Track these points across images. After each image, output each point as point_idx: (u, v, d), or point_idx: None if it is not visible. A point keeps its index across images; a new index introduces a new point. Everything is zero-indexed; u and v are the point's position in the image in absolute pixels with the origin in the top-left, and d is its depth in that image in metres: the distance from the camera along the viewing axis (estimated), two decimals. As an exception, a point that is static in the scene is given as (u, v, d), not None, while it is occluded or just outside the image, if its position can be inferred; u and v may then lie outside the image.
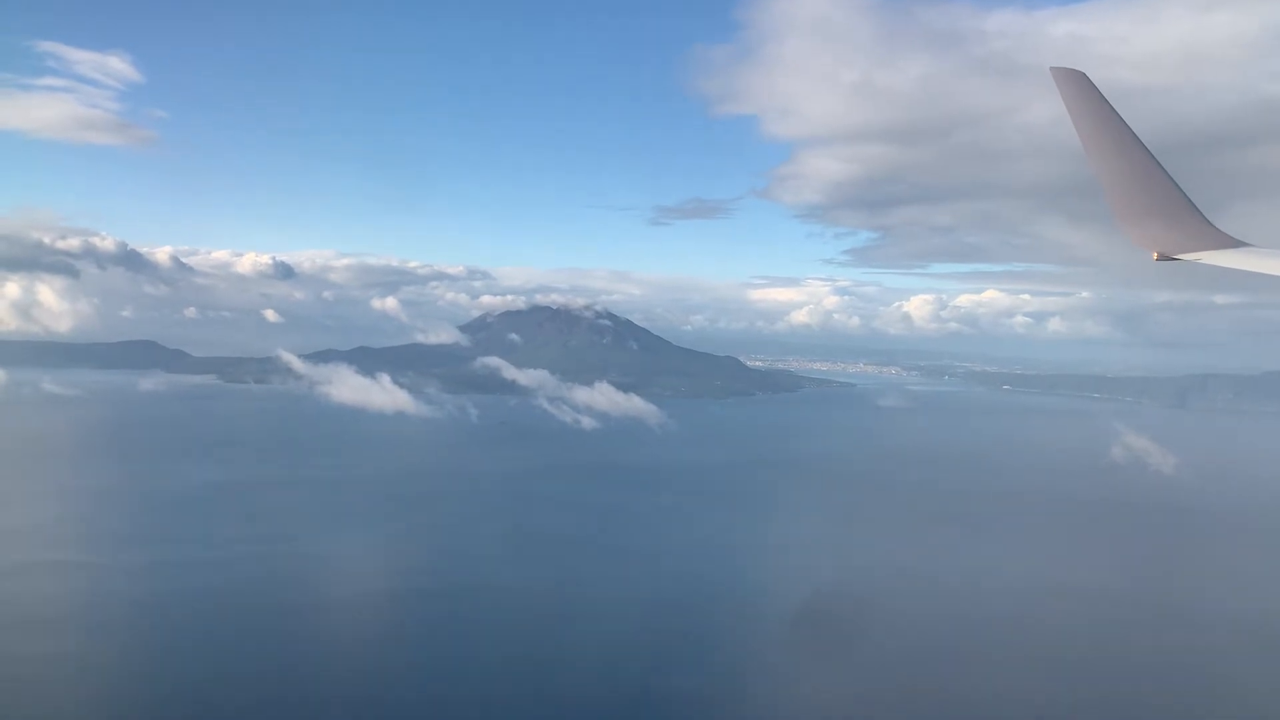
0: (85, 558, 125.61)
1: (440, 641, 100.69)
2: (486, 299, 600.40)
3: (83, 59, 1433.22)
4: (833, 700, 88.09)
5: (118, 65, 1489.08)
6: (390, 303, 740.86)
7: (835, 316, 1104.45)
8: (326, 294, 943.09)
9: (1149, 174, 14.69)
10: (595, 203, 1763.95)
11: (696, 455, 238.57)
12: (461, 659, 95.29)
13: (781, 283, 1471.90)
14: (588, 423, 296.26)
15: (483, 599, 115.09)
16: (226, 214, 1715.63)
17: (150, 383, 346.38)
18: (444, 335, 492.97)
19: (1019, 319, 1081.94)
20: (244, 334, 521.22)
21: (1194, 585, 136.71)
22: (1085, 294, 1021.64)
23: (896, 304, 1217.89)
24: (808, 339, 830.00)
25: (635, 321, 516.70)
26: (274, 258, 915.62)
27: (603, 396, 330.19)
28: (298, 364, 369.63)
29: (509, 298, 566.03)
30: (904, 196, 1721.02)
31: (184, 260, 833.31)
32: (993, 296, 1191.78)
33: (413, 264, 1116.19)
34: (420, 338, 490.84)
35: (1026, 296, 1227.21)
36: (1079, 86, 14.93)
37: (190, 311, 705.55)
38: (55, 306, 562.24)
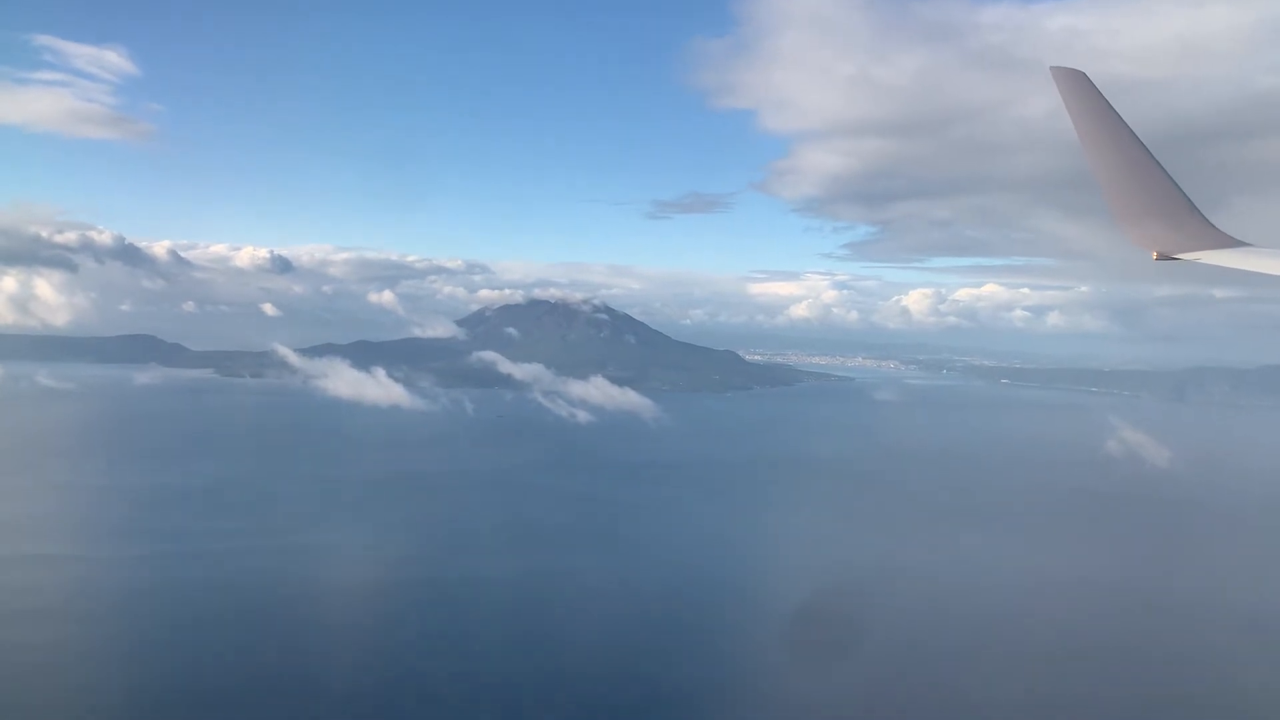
0: (77, 551, 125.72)
1: (434, 633, 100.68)
2: (485, 293, 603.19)
3: (79, 53, 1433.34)
4: (828, 693, 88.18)
5: (114, 59, 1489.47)
6: (387, 296, 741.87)
7: (834, 310, 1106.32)
8: (325, 288, 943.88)
9: (1148, 173, 14.72)
10: (594, 197, 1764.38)
11: (689, 449, 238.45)
12: (455, 650, 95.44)
13: (781, 277, 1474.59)
14: (583, 417, 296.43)
15: (476, 590, 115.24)
16: (224, 208, 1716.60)
17: (146, 377, 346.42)
18: (441, 329, 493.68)
19: (1018, 313, 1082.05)
20: (243, 328, 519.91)
21: (1187, 577, 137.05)
22: (1084, 288, 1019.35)
23: (895, 298, 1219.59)
24: (807, 333, 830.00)
25: (634, 316, 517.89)
26: (272, 251, 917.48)
27: (598, 390, 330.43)
28: (294, 358, 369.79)
29: (507, 292, 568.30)
30: (902, 190, 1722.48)
31: (182, 254, 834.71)
32: (992, 291, 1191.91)
33: (411, 258, 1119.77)
34: (418, 332, 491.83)
35: (1026, 290, 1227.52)
36: (1078, 86, 14.96)
37: (189, 305, 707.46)
38: (52, 300, 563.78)
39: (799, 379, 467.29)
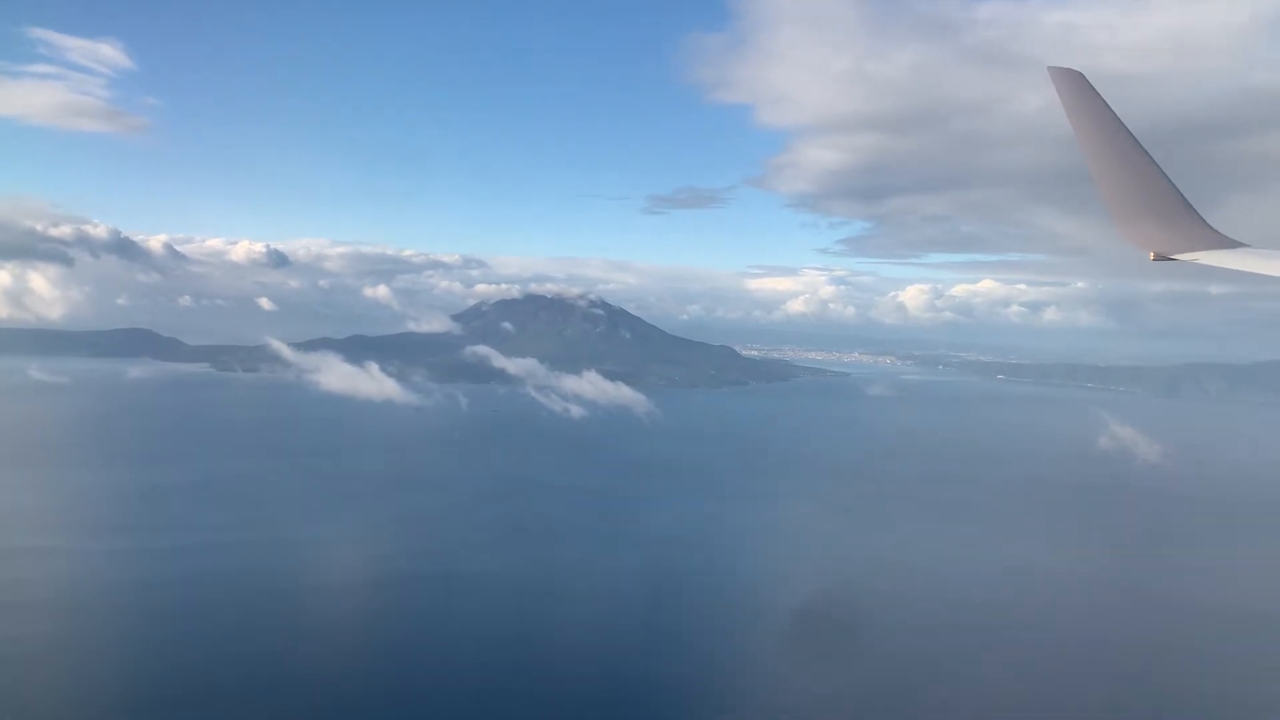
0: (66, 543, 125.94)
1: (426, 626, 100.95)
2: (481, 288, 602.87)
3: (73, 46, 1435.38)
4: (820, 685, 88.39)
5: (109, 52, 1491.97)
6: (383, 291, 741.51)
7: (831, 306, 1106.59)
8: (321, 282, 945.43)
9: (1145, 174, 14.77)
10: (591, 192, 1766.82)
11: (680, 445, 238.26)
12: (444, 644, 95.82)
13: (779, 272, 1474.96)
14: (576, 412, 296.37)
15: (464, 584, 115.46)
16: (220, 202, 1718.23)
17: (138, 371, 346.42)
18: (437, 324, 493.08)
19: (1014, 309, 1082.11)
20: (239, 322, 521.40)
21: (1175, 571, 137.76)
22: (1080, 284, 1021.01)
23: (892, 293, 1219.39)
24: (804, 328, 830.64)
25: (630, 311, 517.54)
26: (268, 246, 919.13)
27: (590, 385, 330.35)
28: (288, 352, 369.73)
29: (503, 286, 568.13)
30: (898, 186, 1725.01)
31: (178, 248, 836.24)
32: (988, 286, 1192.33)
33: (407, 253, 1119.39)
34: (413, 326, 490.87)
35: (1022, 286, 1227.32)
36: (1076, 86, 14.99)
37: (185, 300, 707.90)
38: (47, 294, 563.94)
39: (795, 374, 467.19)
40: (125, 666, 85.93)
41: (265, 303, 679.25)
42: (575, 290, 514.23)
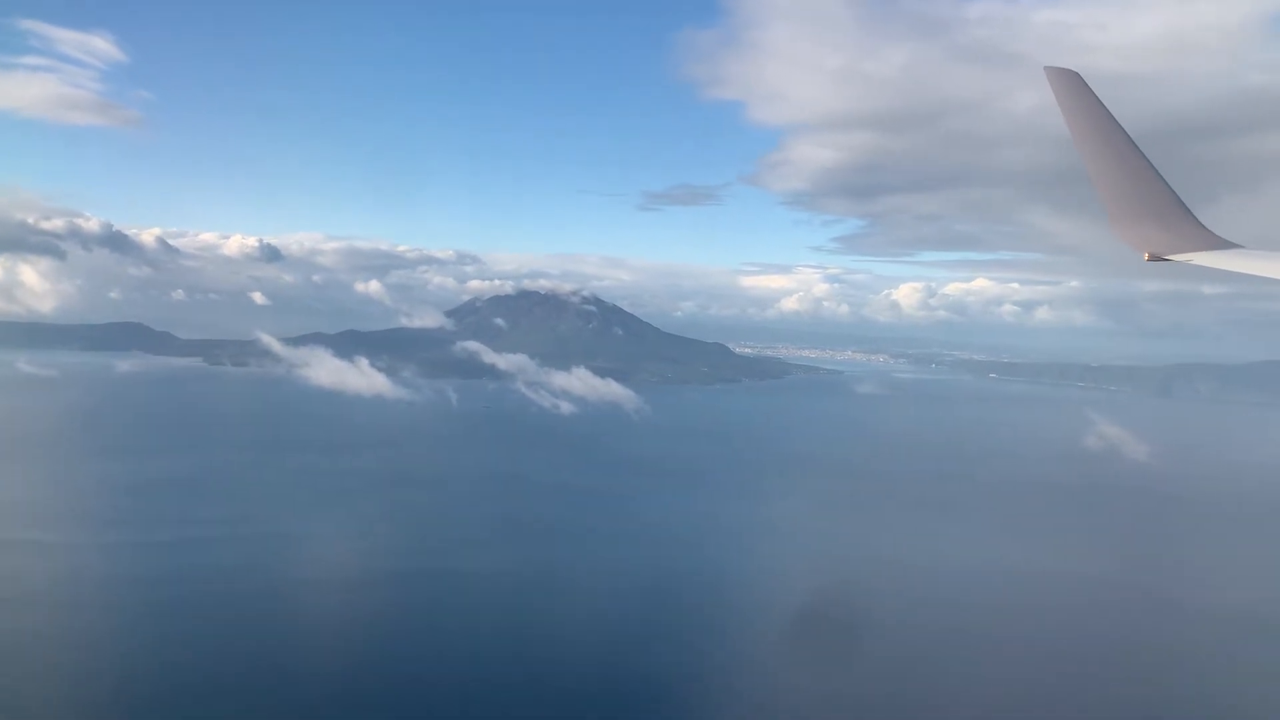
0: (49, 538, 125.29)
1: (415, 622, 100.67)
2: (475, 284, 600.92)
3: (65, 38, 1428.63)
4: (808, 680, 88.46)
5: (101, 45, 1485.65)
6: (375, 286, 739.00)
7: (825, 304, 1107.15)
8: (315, 277, 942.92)
9: (1141, 175, 14.80)
10: (586, 188, 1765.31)
11: (669, 441, 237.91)
12: (435, 639, 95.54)
13: (773, 270, 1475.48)
14: (566, 408, 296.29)
15: (455, 581, 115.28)
16: (214, 196, 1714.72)
17: (128, 364, 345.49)
18: (429, 319, 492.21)
19: (1007, 307, 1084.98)
20: (232, 317, 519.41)
21: (1161, 570, 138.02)
22: (1074, 283, 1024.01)
23: (886, 292, 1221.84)
24: (797, 326, 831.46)
25: (624, 308, 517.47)
26: (261, 240, 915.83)
27: (580, 382, 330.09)
28: (278, 347, 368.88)
29: (497, 283, 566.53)
30: (891, 184, 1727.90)
31: (170, 242, 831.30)
32: (982, 285, 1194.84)
33: (402, 248, 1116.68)
34: (405, 322, 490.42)
35: (1016, 285, 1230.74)
36: (1073, 87, 15.02)
37: (178, 294, 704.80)
38: (38, 287, 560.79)
39: (788, 372, 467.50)
40: (115, 661, 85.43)
41: (258, 297, 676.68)
42: (569, 287, 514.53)
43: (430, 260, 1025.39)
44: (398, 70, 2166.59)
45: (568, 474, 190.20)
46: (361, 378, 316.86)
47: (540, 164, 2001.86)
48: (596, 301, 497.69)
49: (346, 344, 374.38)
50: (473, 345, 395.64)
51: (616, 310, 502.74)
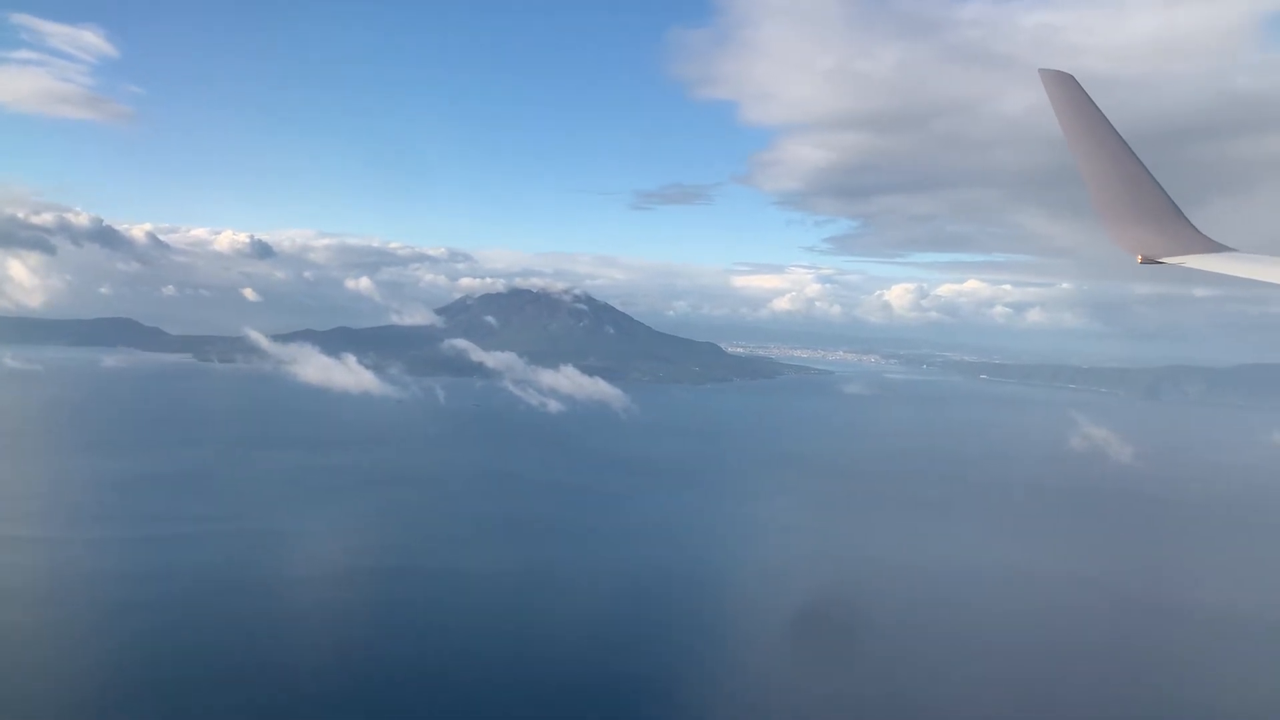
0: (31, 532, 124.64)
1: (402, 620, 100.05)
2: (466, 282, 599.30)
3: (55, 32, 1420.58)
4: (798, 680, 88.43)
5: (91, 39, 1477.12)
6: (364, 283, 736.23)
7: (817, 304, 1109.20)
8: (307, 274, 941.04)
9: (1134, 177, 14.78)
10: (580, 187, 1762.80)
11: (656, 440, 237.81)
12: (421, 637, 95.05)
13: (765, 270, 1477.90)
14: (553, 406, 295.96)
15: (442, 579, 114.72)
16: (205, 192, 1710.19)
17: (113, 360, 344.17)
18: (419, 317, 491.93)
19: (999, 309, 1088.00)
20: (223, 313, 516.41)
21: (1144, 570, 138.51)
22: (1065, 285, 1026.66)
23: (878, 292, 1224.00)
24: (790, 326, 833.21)
25: (616, 307, 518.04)
26: (252, 236, 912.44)
27: (568, 380, 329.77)
28: (265, 343, 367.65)
29: (489, 280, 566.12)
30: (883, 184, 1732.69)
31: (161, 238, 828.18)
32: (974, 286, 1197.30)
33: (394, 245, 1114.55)
34: (395, 319, 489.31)
35: (1008, 287, 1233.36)
36: (1067, 89, 14.98)
37: (169, 289, 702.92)
38: (28, 282, 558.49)
39: (779, 372, 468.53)
40: (98, 656, 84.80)
41: (250, 293, 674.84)
42: (561, 285, 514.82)
43: (422, 258, 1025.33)
44: (391, 67, 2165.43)
45: (555, 472, 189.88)
46: (349, 375, 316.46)
47: (534, 162, 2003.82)
48: (588, 300, 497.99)
49: (336, 341, 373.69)
50: (461, 343, 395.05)
51: (608, 309, 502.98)
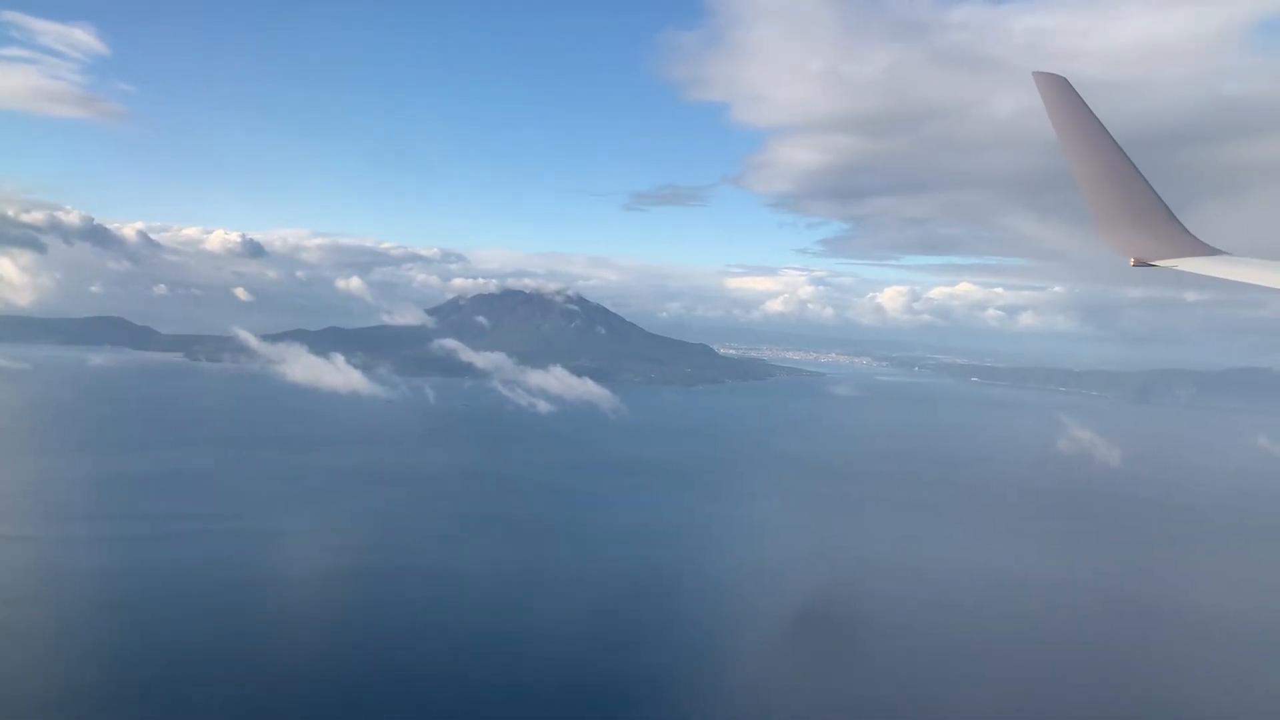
0: (16, 531, 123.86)
1: (390, 620, 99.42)
2: (458, 282, 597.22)
3: (46, 29, 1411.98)
4: (791, 680, 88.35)
5: (82, 37, 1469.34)
6: (356, 283, 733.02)
7: (810, 306, 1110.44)
8: (299, 273, 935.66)
9: (1128, 180, 14.77)
10: (573, 187, 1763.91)
11: (645, 441, 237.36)
12: (410, 638, 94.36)
13: (758, 272, 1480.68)
14: (543, 406, 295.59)
15: (430, 579, 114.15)
16: (196, 191, 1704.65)
17: (103, 359, 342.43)
18: (411, 317, 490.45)
19: (991, 312, 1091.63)
20: (214, 312, 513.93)
21: (1133, 573, 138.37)
22: (1058, 289, 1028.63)
23: (870, 295, 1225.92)
24: (782, 328, 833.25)
25: (608, 308, 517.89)
26: (244, 235, 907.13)
27: (557, 381, 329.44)
28: (255, 343, 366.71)
29: (481, 281, 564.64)
30: (875, 187, 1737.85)
31: (153, 237, 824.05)
32: (966, 289, 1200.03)
33: (386, 245, 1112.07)
34: (387, 319, 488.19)
35: (1000, 290, 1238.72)
36: (1060, 92, 14.99)
37: (160, 288, 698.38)
38: (17, 280, 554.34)
39: (771, 374, 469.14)
40: (86, 656, 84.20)
41: (241, 293, 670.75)
42: (553, 286, 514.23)
43: (415, 258, 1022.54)
44: (385, 67, 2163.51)
45: (543, 472, 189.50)
46: (338, 374, 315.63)
47: (527, 163, 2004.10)
48: (580, 301, 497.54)
49: (327, 341, 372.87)
50: (450, 343, 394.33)
51: (600, 310, 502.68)
